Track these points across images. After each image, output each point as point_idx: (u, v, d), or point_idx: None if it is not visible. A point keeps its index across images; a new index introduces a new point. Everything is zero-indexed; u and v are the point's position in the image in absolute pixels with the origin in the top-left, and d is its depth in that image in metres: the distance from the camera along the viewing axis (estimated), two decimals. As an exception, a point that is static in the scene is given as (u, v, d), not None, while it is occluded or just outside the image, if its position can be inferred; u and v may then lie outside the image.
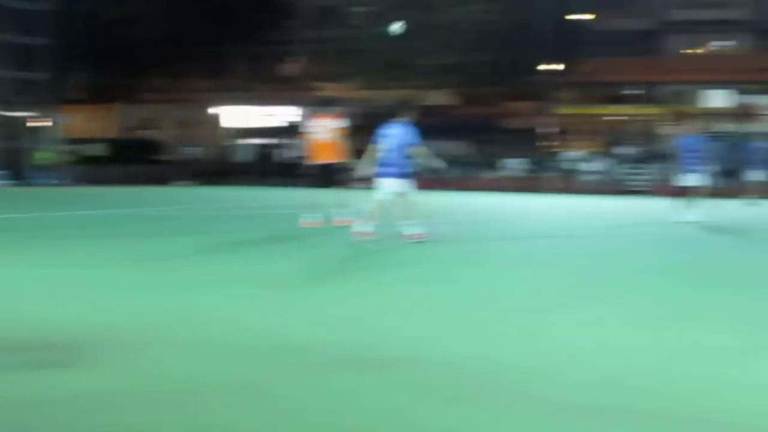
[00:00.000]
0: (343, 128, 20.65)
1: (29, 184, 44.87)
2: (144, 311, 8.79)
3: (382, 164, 17.21)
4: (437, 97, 64.51)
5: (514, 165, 49.08)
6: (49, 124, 50.39)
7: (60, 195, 35.53)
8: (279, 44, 71.02)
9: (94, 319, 8.32)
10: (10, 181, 44.77)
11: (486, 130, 60.92)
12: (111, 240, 16.92)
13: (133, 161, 52.81)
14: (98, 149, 52.45)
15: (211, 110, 67.32)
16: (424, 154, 17.66)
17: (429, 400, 5.63)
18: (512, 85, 61.44)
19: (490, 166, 49.42)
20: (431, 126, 63.75)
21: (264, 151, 59.59)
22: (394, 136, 17.18)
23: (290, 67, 75.20)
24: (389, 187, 17.14)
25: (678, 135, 25.37)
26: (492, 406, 5.57)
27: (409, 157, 17.20)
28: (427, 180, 48.92)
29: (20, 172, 46.54)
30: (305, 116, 21.57)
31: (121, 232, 18.69)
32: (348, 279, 11.78)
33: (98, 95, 62.00)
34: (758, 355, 7.34)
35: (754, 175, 35.29)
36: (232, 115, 68.99)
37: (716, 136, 44.92)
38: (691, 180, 23.76)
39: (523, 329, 8.20)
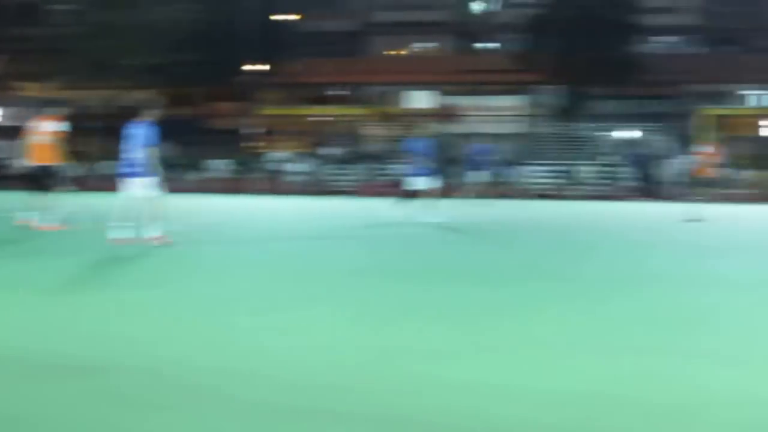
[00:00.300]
0: (61, 131, 20.35)
1: None
2: None
3: (126, 165, 16.85)
4: (141, 98, 63.59)
5: (220, 166, 48.78)
6: None
7: None
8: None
9: None
10: None
11: (191, 131, 60.41)
12: None
13: None
14: None
15: None
16: (156, 156, 17.09)
17: (133, 408, 5.57)
18: (217, 85, 61.18)
19: (196, 167, 48.95)
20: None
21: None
22: (137, 136, 16.80)
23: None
24: (133, 188, 16.75)
25: (408, 138, 26.13)
26: (193, 411, 5.59)
27: (150, 158, 16.74)
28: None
29: None
30: (27, 117, 21.00)
31: None
32: (54, 283, 11.34)
33: None
34: (468, 355, 7.50)
35: (475, 176, 36.27)
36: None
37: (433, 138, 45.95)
38: (421, 183, 24.26)
39: (230, 332, 8.19)
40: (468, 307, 9.95)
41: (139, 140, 16.72)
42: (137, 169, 16.71)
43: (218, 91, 61.40)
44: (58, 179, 20.27)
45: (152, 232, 16.64)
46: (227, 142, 55.46)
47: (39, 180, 20.07)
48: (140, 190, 16.72)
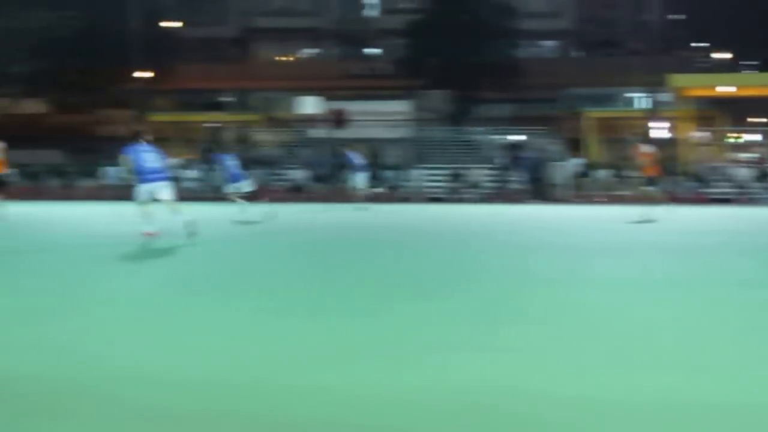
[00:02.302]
0: None
1: None
2: None
3: None
4: (28, 106, 63.06)
5: (114, 173, 48.55)
6: None
7: None
8: None
9: None
10: None
11: (81, 138, 60.02)
12: None
13: None
14: None
15: None
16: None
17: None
18: (104, 92, 60.93)
19: (89, 174, 48.68)
20: (22, 135, 62.40)
21: None
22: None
23: None
24: None
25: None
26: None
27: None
28: (22, 189, 47.87)
29: None
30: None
31: None
32: None
33: None
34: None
35: (355, 181, 36.99)
36: None
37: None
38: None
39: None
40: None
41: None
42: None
43: (105, 98, 61.19)
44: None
45: None
46: (117, 149, 55.17)
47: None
48: None
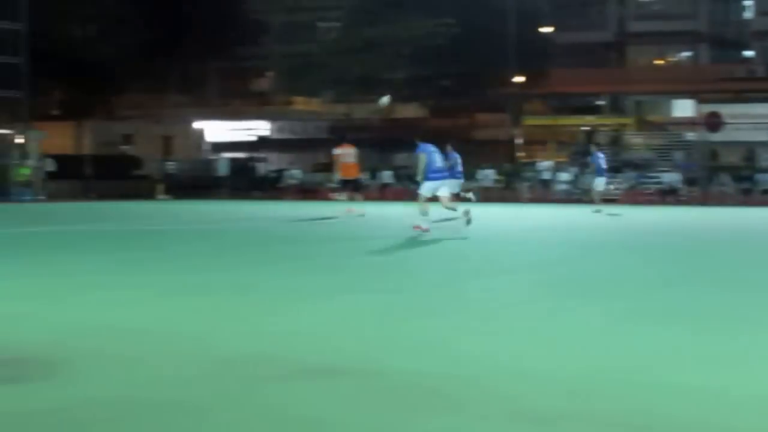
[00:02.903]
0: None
1: (8, 201, 45.29)
2: (91, 326, 8.66)
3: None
4: (406, 110, 65.53)
5: (486, 175, 49.87)
6: (25, 140, 50.80)
7: (33, 211, 35.69)
8: (251, 59, 71.88)
9: (46, 335, 8.17)
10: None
11: (457, 141, 61.86)
12: (72, 255, 16.78)
13: (111, 176, 53.26)
14: (76, 164, 52.81)
15: (187, 125, 67.88)
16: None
17: (399, 409, 5.64)
18: (478, 97, 62.55)
19: (465, 177, 50.09)
20: (401, 138, 65.03)
21: (240, 165, 60.25)
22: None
23: (262, 82, 76.11)
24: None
25: None
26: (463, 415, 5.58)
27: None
28: (400, 191, 50.02)
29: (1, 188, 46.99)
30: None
31: (83, 248, 18.68)
32: (300, 291, 11.42)
33: (73, 111, 62.40)
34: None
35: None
36: (208, 130, 69.65)
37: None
38: None
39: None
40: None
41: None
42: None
43: (480, 102, 62.81)
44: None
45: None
46: (491, 151, 56.59)
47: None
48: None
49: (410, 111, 67.09)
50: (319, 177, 54.35)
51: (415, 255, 17.03)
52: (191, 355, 7.25)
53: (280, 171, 57.16)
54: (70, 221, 28.11)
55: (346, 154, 31.62)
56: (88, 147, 61.32)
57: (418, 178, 21.85)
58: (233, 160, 58.82)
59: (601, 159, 35.71)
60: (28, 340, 7.86)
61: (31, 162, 48.86)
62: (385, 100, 30.36)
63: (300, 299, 10.57)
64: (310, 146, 66.93)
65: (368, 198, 47.67)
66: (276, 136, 69.76)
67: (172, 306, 10.05)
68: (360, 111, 64.44)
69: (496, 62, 58.03)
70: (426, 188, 21.43)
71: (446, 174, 22.30)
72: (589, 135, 58.33)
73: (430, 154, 21.41)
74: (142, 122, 65.53)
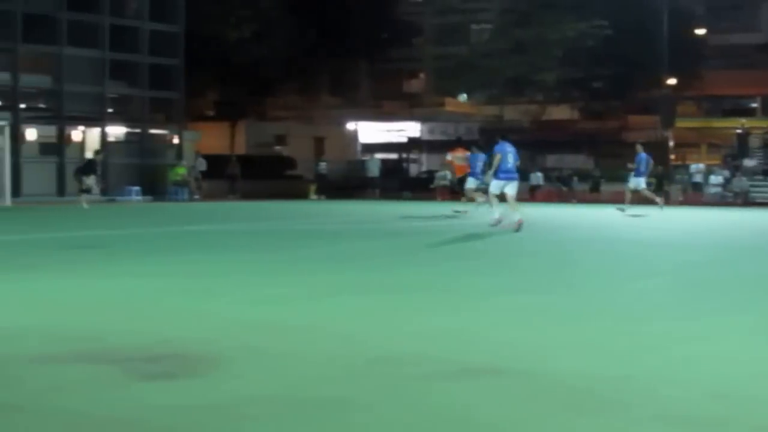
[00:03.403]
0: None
1: (164, 200, 46.43)
2: (248, 324, 8.83)
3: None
4: (557, 112, 65.48)
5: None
6: (180, 141, 52.01)
7: (189, 210, 36.39)
8: (403, 61, 72.62)
9: (201, 332, 8.38)
10: (146, 197, 46.28)
11: (608, 143, 61.66)
12: (233, 254, 16.97)
13: (264, 176, 54.23)
14: (229, 164, 53.75)
15: (339, 126, 68.81)
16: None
17: (551, 411, 5.67)
18: (630, 99, 62.15)
19: (616, 179, 49.73)
20: (552, 140, 64.99)
21: (391, 166, 60.96)
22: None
23: (414, 84, 76.72)
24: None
25: None
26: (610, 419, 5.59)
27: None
28: (547, 192, 50.06)
29: (155, 188, 48.04)
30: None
31: (245, 246, 19.05)
32: (452, 288, 11.63)
33: (227, 112, 63.65)
34: None
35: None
36: (360, 131, 70.51)
37: None
38: None
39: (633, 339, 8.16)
40: None
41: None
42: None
43: (632, 104, 62.40)
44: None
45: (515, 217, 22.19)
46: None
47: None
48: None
49: (561, 113, 66.99)
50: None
51: (568, 257, 17.05)
52: (351, 353, 7.32)
53: (431, 172, 57.60)
54: (225, 220, 28.55)
55: (458, 157, 33.93)
56: (241, 147, 62.54)
57: (488, 175, 24.23)
58: (384, 161, 59.40)
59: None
60: (185, 337, 8.03)
61: (186, 162, 50.01)
62: (464, 96, 34.88)
63: (459, 299, 10.66)
64: (460, 147, 67.36)
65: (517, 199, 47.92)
66: (426, 137, 70.25)
67: (330, 305, 10.17)
68: (511, 112, 64.56)
69: (647, 64, 57.59)
70: (493, 186, 23.41)
71: (514, 175, 23.33)
72: (742, 138, 57.46)
73: (505, 154, 22.83)
74: (294, 123, 66.62)
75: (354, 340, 7.91)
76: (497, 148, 23.02)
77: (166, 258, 16.04)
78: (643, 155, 33.39)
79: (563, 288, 11.87)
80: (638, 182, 33.61)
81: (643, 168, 33.52)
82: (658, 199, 33.61)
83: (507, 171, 22.87)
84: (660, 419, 5.46)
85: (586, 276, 13.59)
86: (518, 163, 23.57)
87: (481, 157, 29.05)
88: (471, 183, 30.12)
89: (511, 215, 22.66)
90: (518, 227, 21.63)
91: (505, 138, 23.58)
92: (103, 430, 5.25)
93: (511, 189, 22.97)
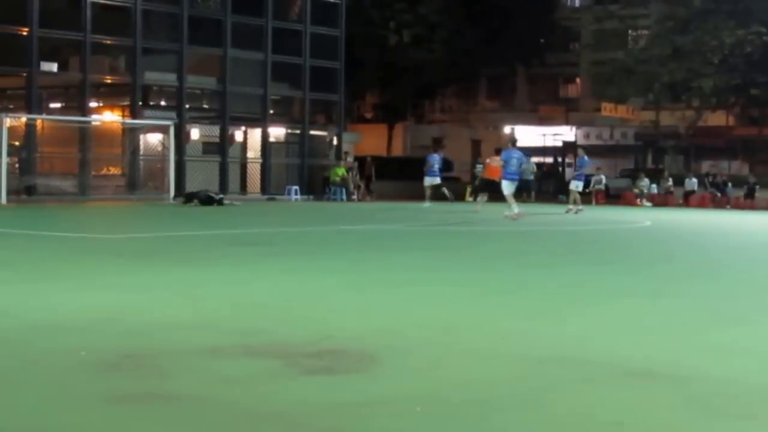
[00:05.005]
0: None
1: (324, 200, 47.47)
2: (418, 320, 8.86)
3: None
4: (713, 118, 65.09)
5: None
6: (339, 142, 53.07)
7: (351, 210, 36.63)
8: (560, 66, 73.08)
9: (379, 325, 8.55)
10: (306, 197, 47.35)
11: (762, 149, 61.17)
12: (390, 252, 17.10)
13: (421, 177, 54.80)
14: (389, 166, 54.46)
15: (496, 129, 69.43)
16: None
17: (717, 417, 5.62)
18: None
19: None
20: (707, 146, 64.68)
21: (547, 169, 61.45)
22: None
23: (570, 89, 77.05)
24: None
25: None
26: None
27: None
28: (701, 198, 49.88)
29: (315, 187, 49.08)
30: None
31: (411, 246, 19.15)
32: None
33: (387, 115, 64.85)
34: None
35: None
36: (517, 134, 71.13)
37: None
38: None
39: None
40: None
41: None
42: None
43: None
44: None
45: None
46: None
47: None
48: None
49: (717, 119, 66.53)
50: (624, 182, 55.00)
51: (714, 260, 17.05)
52: (499, 354, 7.29)
53: (587, 176, 57.82)
54: (385, 220, 28.82)
55: (495, 160, 34.09)
56: (399, 149, 63.55)
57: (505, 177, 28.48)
58: (539, 165, 59.76)
59: None
60: (343, 334, 8.04)
61: (346, 163, 51.01)
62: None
63: (606, 301, 10.75)
64: (616, 152, 67.49)
65: (670, 204, 47.98)
66: (582, 141, 70.46)
67: (486, 304, 10.20)
68: (667, 118, 64.50)
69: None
70: (505, 186, 28.22)
71: (516, 177, 29.07)
72: None
73: (510, 159, 28.29)
74: (452, 126, 67.46)
75: (502, 341, 7.90)
76: (505, 154, 28.75)
77: (332, 255, 16.20)
78: None
79: (720, 292, 11.84)
80: None
81: None
82: None
83: (512, 173, 28.32)
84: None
85: (731, 280, 13.41)
86: (525, 166, 31.83)
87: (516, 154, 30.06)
88: (507, 188, 29.63)
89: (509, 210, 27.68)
90: (512, 219, 27.12)
91: (514, 145, 29.74)
92: (264, 423, 5.32)
93: (507, 188, 28.18)
